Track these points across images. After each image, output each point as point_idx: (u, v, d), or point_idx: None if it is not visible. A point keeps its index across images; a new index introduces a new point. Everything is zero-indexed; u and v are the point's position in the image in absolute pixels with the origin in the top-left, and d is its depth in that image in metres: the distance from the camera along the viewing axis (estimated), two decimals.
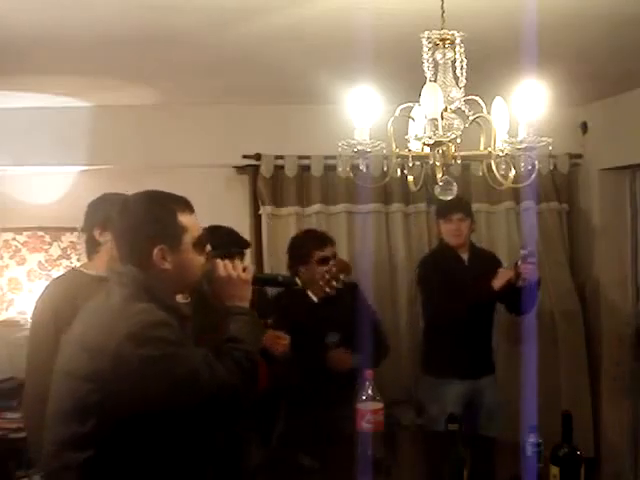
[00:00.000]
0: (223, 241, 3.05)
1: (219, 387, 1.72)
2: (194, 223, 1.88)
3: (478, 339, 3.56)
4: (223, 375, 1.74)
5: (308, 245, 3.34)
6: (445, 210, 3.62)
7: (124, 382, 1.65)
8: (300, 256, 3.33)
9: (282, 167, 4.11)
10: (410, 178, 2.24)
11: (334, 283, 3.03)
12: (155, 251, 1.80)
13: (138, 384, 1.66)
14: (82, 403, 1.69)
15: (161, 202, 1.87)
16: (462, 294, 3.43)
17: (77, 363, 1.72)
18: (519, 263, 3.39)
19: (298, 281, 2.38)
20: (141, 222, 1.83)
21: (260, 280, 2.09)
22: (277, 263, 4.02)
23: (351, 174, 2.38)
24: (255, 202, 4.15)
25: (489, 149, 2.08)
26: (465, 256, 3.65)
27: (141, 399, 1.66)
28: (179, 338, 1.75)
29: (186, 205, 1.89)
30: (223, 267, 1.95)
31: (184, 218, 1.85)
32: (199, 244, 1.89)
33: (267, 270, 4.06)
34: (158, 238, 1.81)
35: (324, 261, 3.27)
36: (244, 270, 1.97)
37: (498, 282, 3.41)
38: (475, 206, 4.12)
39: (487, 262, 3.66)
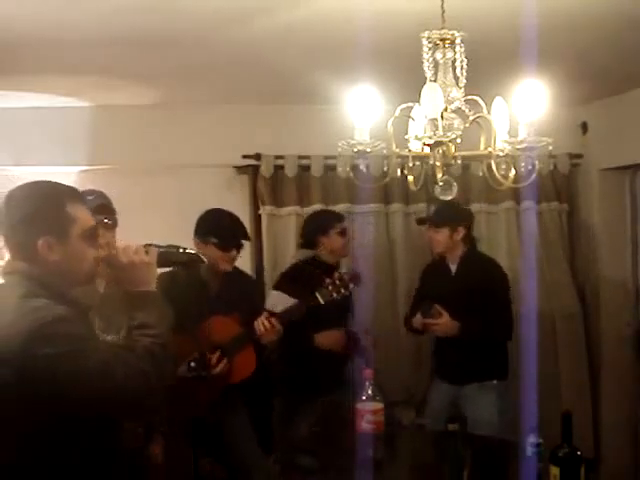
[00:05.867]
0: (232, 230, 3.13)
1: (131, 377, 1.66)
2: (84, 214, 1.81)
3: (457, 345, 3.39)
4: (134, 364, 1.68)
5: (330, 217, 3.60)
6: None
7: (35, 385, 1.59)
8: (322, 227, 3.52)
9: (282, 167, 4.11)
10: (410, 178, 2.24)
11: (342, 290, 3.05)
12: (40, 242, 1.73)
13: (50, 384, 1.60)
14: None
15: (46, 192, 1.80)
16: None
17: None
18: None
19: (203, 258, 2.25)
20: (25, 214, 1.75)
21: (165, 261, 1.97)
22: (277, 263, 4.02)
23: (351, 174, 2.39)
24: (255, 202, 4.15)
25: (489, 149, 2.08)
26: (454, 267, 3.50)
27: (55, 399, 1.61)
28: (82, 332, 1.70)
29: (75, 195, 1.82)
30: (123, 252, 1.85)
31: (73, 209, 1.77)
32: (90, 235, 1.81)
33: (266, 271, 4.06)
34: (43, 229, 1.73)
35: (343, 233, 3.52)
36: (146, 252, 1.87)
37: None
38: (475, 206, 4.13)
39: (479, 273, 3.44)
